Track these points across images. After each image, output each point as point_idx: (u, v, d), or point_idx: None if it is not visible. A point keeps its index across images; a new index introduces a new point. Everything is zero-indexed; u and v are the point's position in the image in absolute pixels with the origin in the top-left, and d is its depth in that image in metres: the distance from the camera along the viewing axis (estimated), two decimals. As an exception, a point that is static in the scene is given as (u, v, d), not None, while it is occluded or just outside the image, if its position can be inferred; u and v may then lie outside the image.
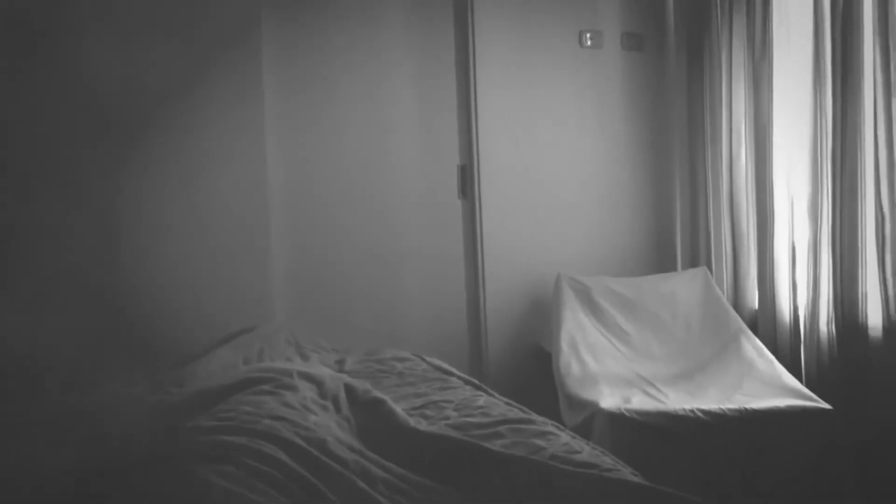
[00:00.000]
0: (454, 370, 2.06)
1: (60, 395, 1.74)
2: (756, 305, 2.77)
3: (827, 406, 2.14)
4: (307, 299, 2.80)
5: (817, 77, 2.45)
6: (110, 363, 2.28)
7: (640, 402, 2.27)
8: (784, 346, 2.59)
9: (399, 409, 1.52)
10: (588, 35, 3.09)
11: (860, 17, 2.28)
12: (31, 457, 1.25)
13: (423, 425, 1.50)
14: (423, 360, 2.13)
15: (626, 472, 1.38)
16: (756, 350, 2.45)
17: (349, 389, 1.56)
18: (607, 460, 1.43)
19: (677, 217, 3.17)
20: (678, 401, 2.27)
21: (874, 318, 2.33)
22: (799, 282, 2.57)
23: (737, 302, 2.81)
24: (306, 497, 1.12)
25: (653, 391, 2.38)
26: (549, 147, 3.06)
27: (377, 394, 1.56)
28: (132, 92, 2.57)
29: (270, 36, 2.70)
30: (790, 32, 2.60)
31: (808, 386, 2.30)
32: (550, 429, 1.57)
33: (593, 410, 2.20)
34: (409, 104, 2.92)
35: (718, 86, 2.88)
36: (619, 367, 2.54)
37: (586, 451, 1.47)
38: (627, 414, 2.15)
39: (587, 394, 2.33)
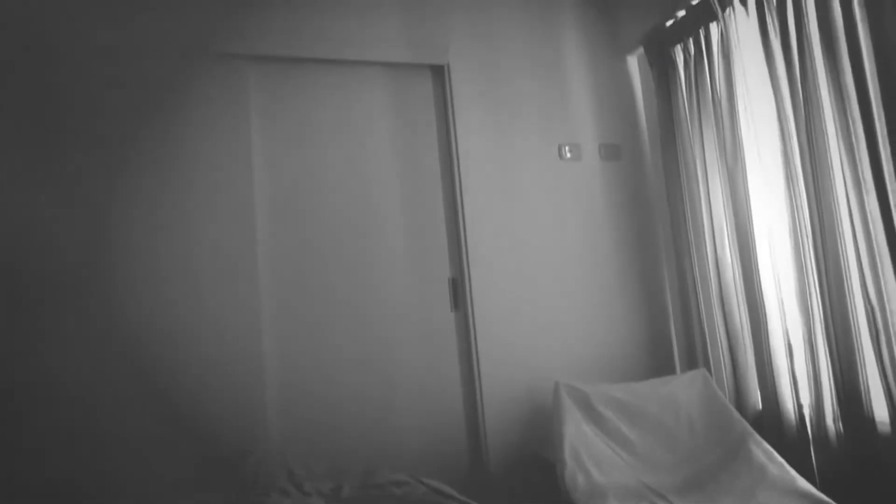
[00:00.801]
0: (454, 493, 1.98)
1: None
2: (759, 405, 2.71)
3: (844, 510, 2.05)
4: (300, 415, 2.74)
5: (789, 179, 2.53)
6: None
7: (650, 516, 2.17)
8: (792, 445, 2.52)
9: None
10: (567, 148, 3.23)
11: (822, 120, 2.40)
12: None
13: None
14: (422, 482, 2.06)
15: None
16: (766, 454, 2.37)
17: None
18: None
19: (670, 318, 3.18)
20: (690, 513, 2.17)
21: (880, 411, 2.28)
22: (799, 376, 2.53)
23: (739, 401, 2.76)
24: None
25: (662, 503, 2.28)
26: (538, 254, 3.11)
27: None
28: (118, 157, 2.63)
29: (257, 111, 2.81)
30: (758, 138, 2.72)
31: (821, 487, 2.22)
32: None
33: (603, 527, 2.10)
34: (398, 220, 3.00)
35: (696, 189, 2.97)
36: (625, 478, 2.45)
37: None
38: (639, 530, 2.05)
39: (595, 509, 2.23)
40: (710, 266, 2.91)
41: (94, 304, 2.55)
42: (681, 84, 3.02)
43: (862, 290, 2.30)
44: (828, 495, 2.14)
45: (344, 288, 2.88)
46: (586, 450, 2.55)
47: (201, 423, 2.58)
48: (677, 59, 3.03)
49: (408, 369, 2.91)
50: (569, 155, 3.23)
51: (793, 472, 2.28)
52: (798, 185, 2.50)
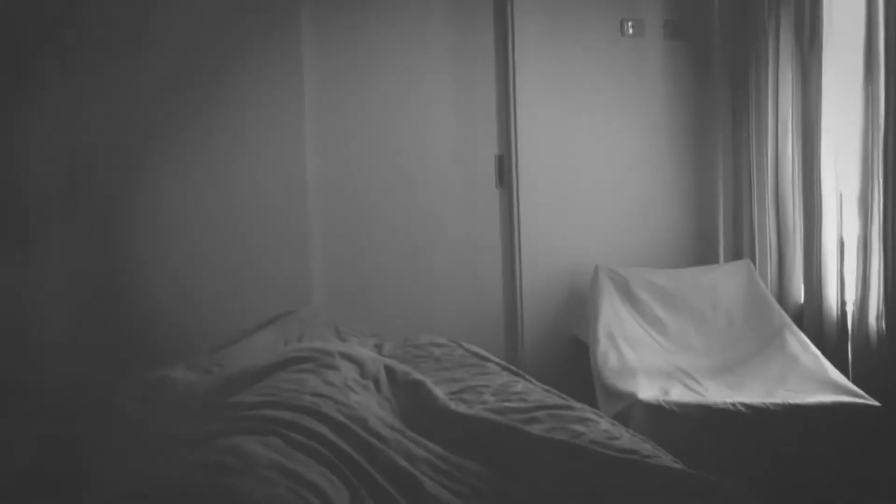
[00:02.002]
0: (491, 356, 2.06)
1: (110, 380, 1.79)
2: (801, 300, 2.70)
3: (875, 403, 2.07)
4: (343, 286, 2.83)
5: (869, 67, 2.37)
6: (154, 350, 2.35)
7: (679, 394, 2.24)
8: (830, 341, 2.52)
9: (439, 391, 1.52)
10: (630, 23, 3.04)
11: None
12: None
13: (462, 408, 1.50)
14: (460, 346, 2.14)
15: (668, 459, 1.36)
16: (801, 345, 2.39)
17: (389, 371, 1.57)
18: (647, 447, 1.42)
19: (720, 210, 3.11)
20: (719, 394, 2.23)
21: (927, 315, 2.25)
22: (847, 274, 2.50)
23: (781, 296, 2.75)
24: (348, 471, 1.13)
25: (692, 384, 2.34)
26: (588, 136, 3.03)
27: (417, 376, 1.57)
28: (170, 80, 2.64)
29: (311, 26, 2.73)
30: (841, 21, 2.53)
31: (855, 382, 2.23)
32: (590, 415, 1.56)
33: (631, 402, 2.18)
34: (447, 95, 2.93)
35: (765, 76, 2.81)
36: (657, 359, 2.50)
37: (626, 437, 1.46)
38: (666, 406, 2.12)
39: (625, 385, 2.30)
40: (769, 159, 2.80)
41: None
42: (761, -44, 2.78)
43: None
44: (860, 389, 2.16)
45: (389, 159, 2.87)
46: (620, 331, 2.60)
47: (249, 286, 2.70)
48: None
49: (450, 244, 2.94)
50: (631, 31, 3.05)
51: (826, 362, 2.30)
52: (878, 78, 2.34)
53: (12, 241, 2.46)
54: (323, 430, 1.20)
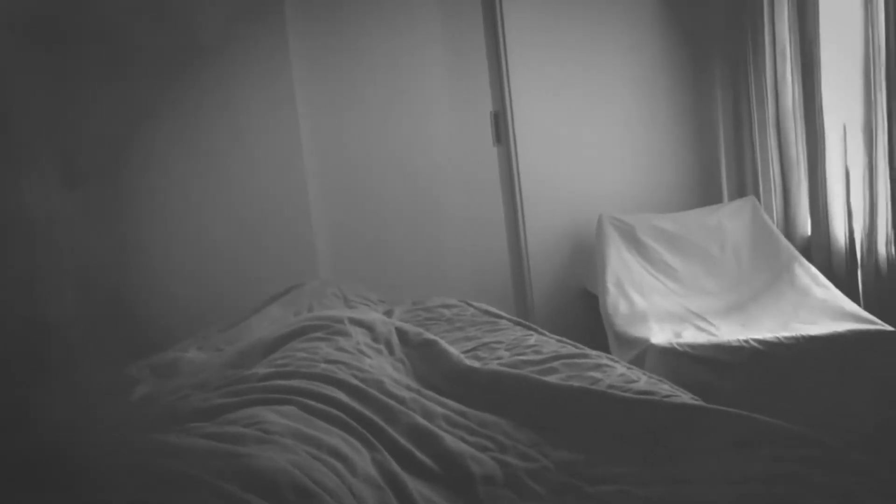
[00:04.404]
0: (502, 313, 2.05)
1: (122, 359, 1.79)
2: (808, 233, 2.68)
3: (890, 328, 2.07)
4: (348, 257, 2.82)
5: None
6: (162, 330, 2.35)
7: (691, 336, 2.23)
8: (840, 271, 2.51)
9: (453, 349, 1.52)
10: (618, -40, 2.96)
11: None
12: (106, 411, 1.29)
13: (477, 364, 1.50)
14: (470, 305, 2.13)
15: (686, 398, 1.36)
16: (811, 277, 2.38)
17: (401, 333, 1.56)
18: (665, 388, 1.41)
19: (721, 148, 3.07)
20: (731, 332, 2.22)
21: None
22: (854, 202, 2.47)
23: (788, 230, 2.73)
24: (368, 433, 1.13)
25: (704, 325, 2.33)
26: (582, 83, 2.98)
27: (429, 335, 1.56)
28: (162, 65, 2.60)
29: None
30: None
31: (867, 310, 2.23)
32: (605, 361, 1.55)
33: (644, 347, 2.18)
34: (438, 55, 2.87)
35: (760, 4, 2.74)
36: (667, 304, 2.50)
37: (643, 380, 1.45)
38: (679, 348, 2.12)
39: (637, 331, 2.30)
40: (769, 90, 2.75)
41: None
42: None
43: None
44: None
45: (383, 125, 2.83)
46: (629, 278, 2.59)
47: (254, 265, 2.69)
48: None
49: (452, 205, 2.92)
50: (620, -32, 2.98)
51: (838, 293, 2.29)
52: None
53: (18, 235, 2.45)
54: (340, 395, 1.20)
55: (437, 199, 2.92)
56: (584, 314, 2.87)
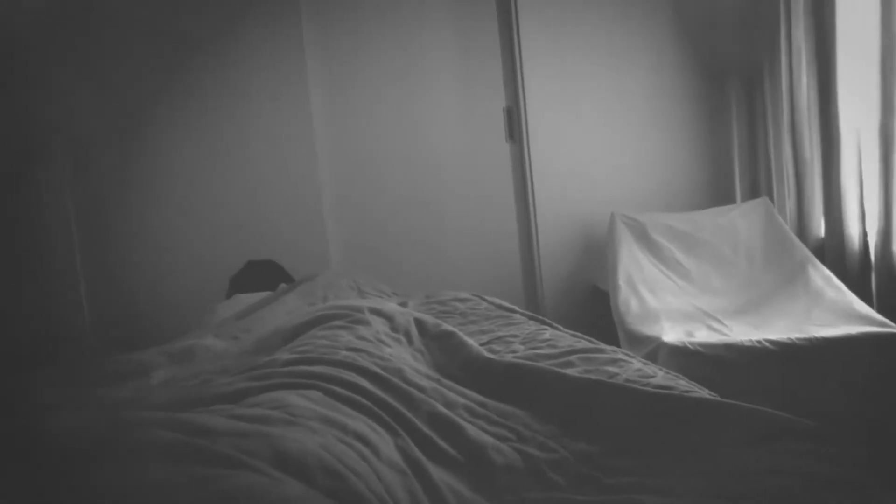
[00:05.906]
0: (516, 307, 2.06)
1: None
2: (822, 234, 2.68)
3: (902, 331, 2.07)
4: (361, 250, 2.84)
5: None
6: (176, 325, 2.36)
7: (703, 335, 2.24)
8: (853, 273, 2.51)
9: (471, 340, 1.52)
10: (637, -38, 2.97)
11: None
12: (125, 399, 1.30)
13: (494, 356, 1.50)
14: (484, 299, 2.14)
15: (704, 393, 1.37)
16: (824, 279, 2.38)
17: (419, 323, 1.57)
18: (682, 383, 1.42)
19: (734, 146, 3.07)
20: (743, 333, 2.23)
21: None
22: (868, 204, 2.47)
23: (801, 232, 2.72)
24: (391, 419, 1.14)
25: (716, 325, 2.34)
26: (596, 80, 2.98)
27: (447, 327, 1.57)
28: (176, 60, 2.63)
29: None
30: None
31: (880, 312, 2.22)
32: (621, 356, 1.56)
33: (655, 345, 2.18)
34: (451, 50, 2.88)
35: (776, 5, 2.73)
36: (679, 303, 2.50)
37: (660, 375, 1.46)
38: (691, 347, 2.12)
39: (648, 329, 2.30)
40: (784, 91, 2.75)
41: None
42: None
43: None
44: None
45: (396, 119, 2.84)
46: (641, 277, 2.60)
47: (262, 254, 2.71)
48: None
49: (463, 200, 2.94)
50: (638, -30, 2.98)
51: (851, 294, 2.29)
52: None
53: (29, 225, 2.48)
54: (362, 382, 1.21)
55: (448, 194, 2.93)
56: (595, 311, 2.87)
